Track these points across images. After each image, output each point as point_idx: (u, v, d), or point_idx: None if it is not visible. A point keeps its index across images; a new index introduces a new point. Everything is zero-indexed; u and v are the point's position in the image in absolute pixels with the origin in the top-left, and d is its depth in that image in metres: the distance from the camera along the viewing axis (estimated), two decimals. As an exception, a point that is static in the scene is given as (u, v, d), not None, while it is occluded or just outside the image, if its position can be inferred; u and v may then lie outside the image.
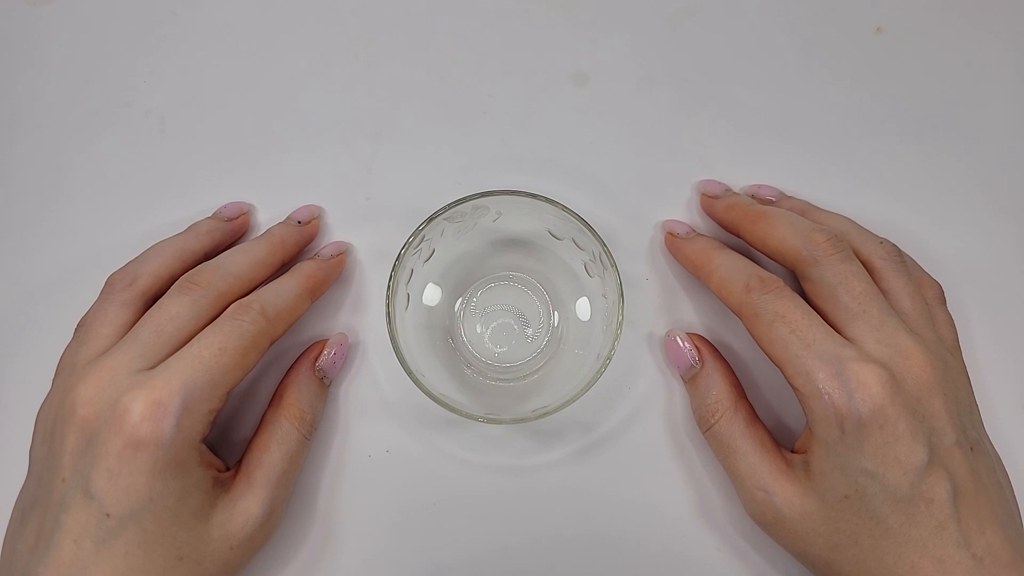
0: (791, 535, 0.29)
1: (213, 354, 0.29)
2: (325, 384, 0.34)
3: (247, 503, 0.30)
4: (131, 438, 0.27)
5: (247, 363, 0.30)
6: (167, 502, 0.27)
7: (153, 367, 0.28)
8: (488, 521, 0.34)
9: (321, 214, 0.37)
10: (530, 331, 0.36)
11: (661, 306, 0.36)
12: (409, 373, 0.30)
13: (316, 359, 0.34)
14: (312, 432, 0.33)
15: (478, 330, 0.36)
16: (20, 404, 0.32)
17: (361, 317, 0.36)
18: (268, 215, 0.37)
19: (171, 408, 0.27)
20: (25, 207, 0.37)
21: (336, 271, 0.35)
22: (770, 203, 0.36)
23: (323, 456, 0.35)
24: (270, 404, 0.33)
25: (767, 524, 0.30)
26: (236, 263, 0.32)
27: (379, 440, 0.35)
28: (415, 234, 0.31)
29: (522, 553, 0.34)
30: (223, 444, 0.34)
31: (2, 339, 0.36)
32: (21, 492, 0.30)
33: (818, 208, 0.35)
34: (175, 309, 0.30)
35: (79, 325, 0.32)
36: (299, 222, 0.36)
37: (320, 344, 0.34)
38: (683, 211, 0.37)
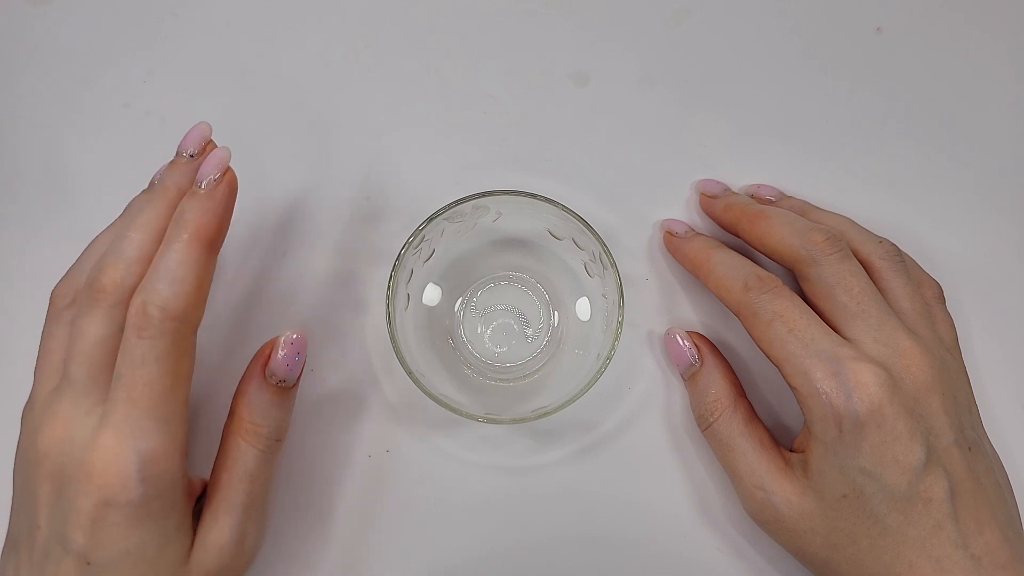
0: (789, 534, 0.29)
1: (143, 393, 0.26)
2: (283, 388, 0.30)
3: (215, 534, 0.28)
4: (101, 498, 0.25)
5: (183, 371, 0.27)
6: (145, 553, 0.26)
7: (102, 398, 0.26)
8: (488, 521, 0.34)
9: (211, 137, 0.29)
10: (530, 331, 0.36)
11: (661, 306, 0.36)
12: (409, 373, 0.30)
13: (265, 364, 0.30)
14: (273, 443, 0.30)
15: (478, 330, 0.36)
16: (20, 405, 0.32)
17: (361, 317, 0.36)
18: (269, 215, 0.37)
19: (132, 466, 0.25)
20: (25, 207, 0.37)
21: (228, 202, 0.27)
22: (769, 203, 0.36)
23: (323, 456, 0.35)
24: (228, 417, 0.30)
25: (765, 523, 0.30)
26: (134, 245, 0.27)
27: (379, 440, 0.35)
28: (415, 234, 0.31)
29: (522, 553, 0.34)
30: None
31: (3, 339, 0.36)
32: (9, 523, 0.29)
33: (817, 208, 0.35)
34: (93, 330, 0.27)
35: (37, 357, 0.29)
36: (191, 156, 0.29)
37: (268, 346, 0.30)
38: (683, 211, 0.37)
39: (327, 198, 0.37)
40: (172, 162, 0.29)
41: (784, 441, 0.32)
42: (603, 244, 0.31)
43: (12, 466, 0.29)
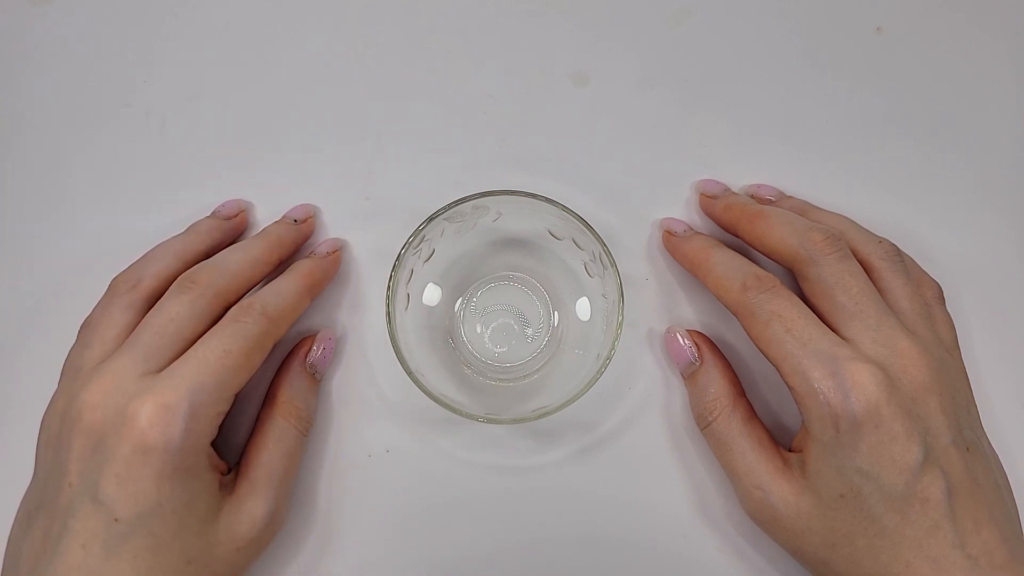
0: (787, 533, 0.30)
1: (218, 356, 0.29)
2: (317, 379, 0.34)
3: (252, 504, 0.30)
4: (139, 443, 0.27)
5: (252, 364, 0.30)
6: (175, 507, 0.27)
7: (158, 370, 0.28)
8: (488, 521, 0.34)
9: (316, 212, 0.37)
10: (530, 331, 0.36)
11: (661, 306, 0.36)
12: (409, 373, 0.30)
13: (306, 355, 0.34)
14: (308, 428, 0.33)
15: (478, 330, 0.36)
16: (21, 405, 0.32)
17: (361, 317, 0.36)
18: (269, 216, 0.37)
19: (179, 412, 0.27)
20: (25, 207, 0.37)
21: (333, 268, 0.35)
22: (769, 203, 0.36)
23: (323, 456, 0.35)
24: (264, 403, 0.33)
25: (764, 522, 0.30)
26: (234, 261, 0.32)
27: (379, 440, 0.35)
28: (415, 234, 0.31)
29: (522, 553, 0.34)
30: (220, 445, 0.34)
31: (3, 339, 0.36)
32: (26, 494, 0.30)
33: (817, 208, 0.35)
34: (175, 310, 0.30)
35: (83, 327, 0.32)
36: (295, 220, 0.36)
37: (308, 340, 0.34)
38: (683, 211, 0.37)
39: (327, 198, 0.37)
40: (280, 220, 0.36)
41: (783, 441, 0.32)
42: (603, 244, 0.31)
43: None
